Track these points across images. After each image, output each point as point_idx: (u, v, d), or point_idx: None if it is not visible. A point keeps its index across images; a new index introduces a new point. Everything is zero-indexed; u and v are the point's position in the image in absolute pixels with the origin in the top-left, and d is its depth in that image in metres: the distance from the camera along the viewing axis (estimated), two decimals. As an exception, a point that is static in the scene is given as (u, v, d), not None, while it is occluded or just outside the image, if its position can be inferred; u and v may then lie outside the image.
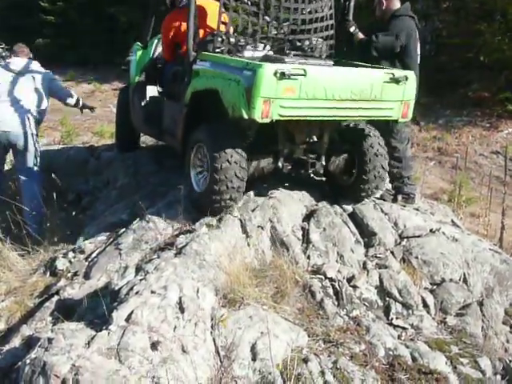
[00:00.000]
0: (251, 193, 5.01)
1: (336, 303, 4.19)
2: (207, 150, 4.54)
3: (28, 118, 5.90)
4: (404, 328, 4.12)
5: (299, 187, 5.27)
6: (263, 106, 4.13)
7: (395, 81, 4.60)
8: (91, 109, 6.87)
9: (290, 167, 4.96)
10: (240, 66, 4.35)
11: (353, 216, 4.99)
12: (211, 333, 3.51)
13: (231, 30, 5.09)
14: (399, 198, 5.49)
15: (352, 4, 5.55)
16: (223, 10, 4.91)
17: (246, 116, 4.19)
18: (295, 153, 4.93)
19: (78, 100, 6.55)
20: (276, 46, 5.21)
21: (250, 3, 5.08)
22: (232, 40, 4.97)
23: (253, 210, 4.77)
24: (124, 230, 4.78)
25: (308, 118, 4.51)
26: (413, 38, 5.36)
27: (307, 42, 5.31)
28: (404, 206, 5.40)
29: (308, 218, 4.91)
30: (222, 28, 4.94)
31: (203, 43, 5.01)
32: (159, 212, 4.81)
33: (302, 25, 5.24)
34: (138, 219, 4.83)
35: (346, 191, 5.23)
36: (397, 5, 5.45)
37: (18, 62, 6.15)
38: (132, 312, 3.37)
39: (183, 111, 4.95)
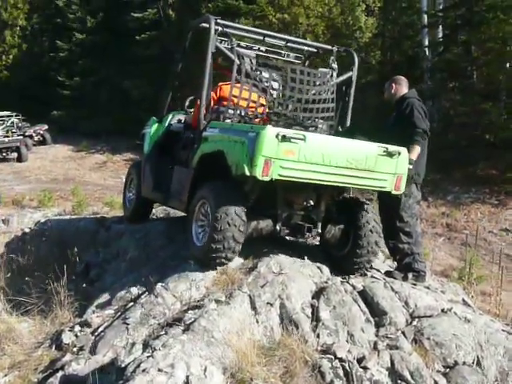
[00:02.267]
0: (261, 268, 5.00)
1: (346, 385, 4.08)
2: (209, 205, 4.84)
3: None
4: (417, 413, 3.99)
5: (309, 259, 5.35)
6: (264, 165, 4.44)
7: (389, 155, 4.90)
8: None
9: (287, 231, 5.17)
10: (245, 130, 4.77)
11: (363, 294, 4.94)
12: (218, 414, 3.43)
13: (242, 103, 5.42)
14: (410, 275, 5.44)
15: (352, 91, 5.96)
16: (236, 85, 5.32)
17: (247, 173, 4.49)
18: (293, 218, 5.18)
19: None
20: (281, 121, 5.47)
21: (258, 80, 5.41)
22: (240, 112, 5.41)
23: (262, 286, 4.75)
24: (132, 304, 4.74)
25: (305, 181, 4.73)
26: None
27: (310, 121, 5.67)
28: (415, 285, 5.34)
29: (318, 295, 4.87)
30: (235, 101, 5.36)
31: (214, 113, 5.46)
32: (168, 286, 4.79)
33: (306, 104, 5.57)
34: (146, 293, 4.81)
35: (338, 262, 5.42)
36: (405, 90, 5.75)
37: None
38: (138, 391, 3.30)
39: (191, 174, 5.31)
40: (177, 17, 27.90)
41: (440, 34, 21.12)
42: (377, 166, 4.87)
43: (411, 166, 5.20)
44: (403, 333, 4.59)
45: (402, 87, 5.75)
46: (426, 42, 21.55)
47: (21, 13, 36.18)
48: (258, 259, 5.23)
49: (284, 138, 4.44)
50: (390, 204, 5.50)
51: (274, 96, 5.53)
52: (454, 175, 16.79)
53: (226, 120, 5.39)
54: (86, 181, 22.94)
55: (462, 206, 15.39)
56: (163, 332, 4.20)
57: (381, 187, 5.07)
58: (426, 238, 12.53)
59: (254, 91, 5.35)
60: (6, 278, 5.67)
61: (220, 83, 5.72)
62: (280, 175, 4.53)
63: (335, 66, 5.89)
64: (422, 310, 4.84)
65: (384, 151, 4.88)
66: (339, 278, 5.18)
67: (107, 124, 28.89)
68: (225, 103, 5.48)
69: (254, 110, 5.44)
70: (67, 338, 4.47)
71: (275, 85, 5.58)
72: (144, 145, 6.60)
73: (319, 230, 5.27)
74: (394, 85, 5.76)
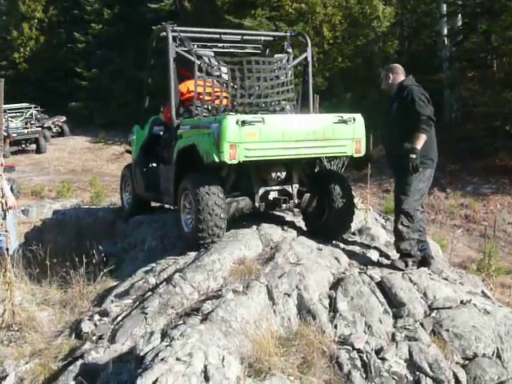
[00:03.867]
0: (278, 259, 5.00)
1: (364, 376, 4.06)
2: (191, 195, 5.27)
3: None
4: (435, 405, 3.96)
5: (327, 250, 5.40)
6: (230, 150, 4.92)
7: (344, 122, 5.38)
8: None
9: (264, 206, 5.62)
10: (210, 121, 5.25)
11: (381, 285, 4.91)
12: (236, 404, 3.44)
13: (207, 98, 5.92)
14: (409, 261, 5.27)
15: (310, 70, 6.49)
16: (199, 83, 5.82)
17: (217, 159, 4.97)
18: (269, 193, 5.64)
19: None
20: (247, 109, 5.90)
21: (218, 76, 5.95)
22: (206, 107, 5.92)
23: (279, 277, 4.76)
24: (150, 293, 4.77)
25: (271, 158, 5.19)
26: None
27: (273, 104, 6.19)
28: (430, 274, 5.28)
29: (335, 286, 4.86)
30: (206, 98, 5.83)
31: (184, 111, 6.02)
32: (186, 276, 4.81)
33: (266, 89, 6.12)
34: (164, 283, 4.83)
35: (320, 229, 5.80)
36: (402, 77, 5.58)
37: None
38: (157, 379, 3.33)
39: (173, 169, 5.79)
40: (193, 8, 27.81)
41: (459, 23, 20.79)
42: (335, 134, 5.36)
43: (414, 156, 5.13)
44: (422, 324, 4.56)
45: (399, 75, 5.58)
46: (445, 31, 21.26)
47: (38, 5, 36.34)
48: (275, 250, 5.24)
49: (244, 123, 4.92)
50: (401, 186, 5.35)
51: (236, 87, 5.95)
52: (473, 166, 16.60)
53: (196, 116, 5.81)
54: (104, 172, 23.11)
55: (481, 197, 15.22)
56: (181, 322, 4.22)
57: (343, 152, 5.64)
58: (444, 229, 12.48)
59: (215, 86, 5.88)
60: (25, 268, 5.73)
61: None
62: (246, 156, 4.99)
63: (290, 50, 6.42)
64: (441, 301, 4.80)
65: (339, 120, 5.37)
66: (357, 269, 5.17)
67: (124, 115, 28.98)
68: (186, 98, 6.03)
69: (219, 103, 5.93)
70: (86, 326, 4.50)
71: (225, 75, 6.06)
72: (132, 150, 7.18)
73: (296, 202, 5.70)
74: (390, 74, 5.61)
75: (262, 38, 6.71)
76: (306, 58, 6.45)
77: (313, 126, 5.30)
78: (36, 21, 36.50)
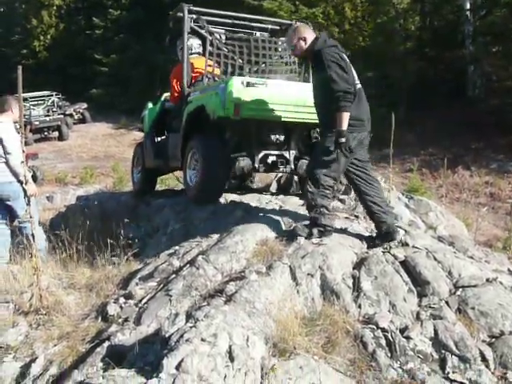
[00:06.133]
0: (301, 240, 4.99)
1: (389, 355, 4.04)
2: (198, 154, 5.88)
3: None
4: (462, 383, 3.93)
5: (350, 230, 5.37)
6: (235, 107, 5.47)
7: None
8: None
9: (264, 168, 6.20)
10: (218, 84, 5.88)
11: (405, 264, 4.87)
12: (261, 383, 3.45)
13: (216, 70, 6.67)
14: (315, 231, 5.00)
15: None
16: (210, 57, 6.53)
17: (222, 114, 5.54)
18: (268, 157, 6.17)
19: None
20: None
21: (227, 50, 6.61)
22: (216, 78, 6.54)
23: (302, 257, 4.75)
24: (174, 276, 4.80)
25: (270, 119, 5.74)
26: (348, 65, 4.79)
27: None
28: (455, 253, 5.22)
29: (359, 265, 4.83)
30: (209, 69, 6.54)
31: (196, 82, 6.72)
32: (209, 258, 4.83)
33: (270, 66, 6.85)
34: (187, 265, 4.86)
35: None
36: (311, 38, 4.94)
37: None
38: (182, 360, 3.35)
39: (181, 133, 6.35)
40: (211, -10, 27.61)
41: (482, -3, 20.37)
42: None
43: (343, 139, 4.64)
44: (447, 303, 4.51)
45: (309, 37, 4.87)
46: (468, 6, 20.80)
47: (56, -8, 36.53)
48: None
49: (248, 84, 5.50)
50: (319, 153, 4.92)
51: (243, 61, 6.63)
52: (497, 143, 16.31)
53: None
54: (126, 157, 23.19)
55: (506, 174, 14.97)
56: (205, 303, 4.25)
57: None
58: (469, 207, 12.32)
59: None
60: (51, 253, 5.81)
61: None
62: (248, 115, 5.56)
63: None
64: (466, 279, 4.75)
65: None
66: (380, 249, 5.13)
67: (144, 101, 29.06)
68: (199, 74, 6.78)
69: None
70: (112, 309, 4.55)
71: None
72: (144, 125, 7.86)
73: (292, 166, 6.24)
74: (300, 39, 4.90)
75: (270, 26, 7.28)
76: None
77: (311, 95, 5.28)
78: (55, 8, 36.67)
